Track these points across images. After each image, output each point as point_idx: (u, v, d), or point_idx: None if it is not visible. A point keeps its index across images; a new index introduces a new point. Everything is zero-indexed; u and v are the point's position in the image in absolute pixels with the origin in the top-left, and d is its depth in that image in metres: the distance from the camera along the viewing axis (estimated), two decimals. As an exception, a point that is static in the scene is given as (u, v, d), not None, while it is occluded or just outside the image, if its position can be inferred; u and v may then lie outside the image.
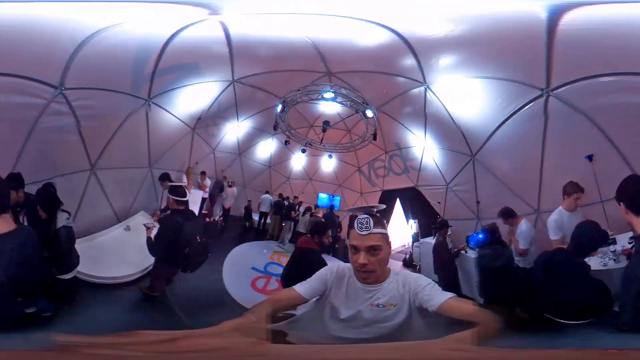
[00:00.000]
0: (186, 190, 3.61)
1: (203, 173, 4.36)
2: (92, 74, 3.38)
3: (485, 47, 3.20)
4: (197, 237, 3.48)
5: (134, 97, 3.79)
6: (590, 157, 2.92)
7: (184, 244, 3.36)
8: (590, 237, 2.59)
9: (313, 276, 2.16)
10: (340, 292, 2.13)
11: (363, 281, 2.05)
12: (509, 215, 3.27)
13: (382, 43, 3.50)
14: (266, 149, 4.66)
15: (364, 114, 3.88)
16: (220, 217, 4.47)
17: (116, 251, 3.56)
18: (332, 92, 3.71)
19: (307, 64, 3.79)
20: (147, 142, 4.03)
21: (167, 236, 3.33)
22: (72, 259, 3.09)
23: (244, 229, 4.58)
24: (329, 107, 4.20)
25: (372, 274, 1.99)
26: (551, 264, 2.71)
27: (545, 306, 2.62)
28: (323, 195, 4.54)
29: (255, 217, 4.58)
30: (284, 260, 4.21)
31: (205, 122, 4.27)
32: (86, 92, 3.42)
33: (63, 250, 2.99)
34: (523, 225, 3.23)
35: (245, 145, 4.59)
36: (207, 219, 4.43)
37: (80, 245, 3.20)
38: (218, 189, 4.49)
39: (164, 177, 4.13)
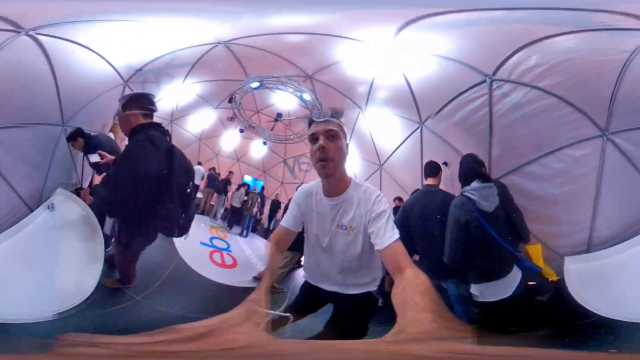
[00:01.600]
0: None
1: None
2: None
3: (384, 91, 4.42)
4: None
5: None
6: (445, 163, 4.06)
7: (183, 178, 2.04)
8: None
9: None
10: (312, 213, 1.98)
11: (324, 176, 1.89)
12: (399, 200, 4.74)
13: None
14: (201, 120, 4.37)
15: (318, 122, 4.48)
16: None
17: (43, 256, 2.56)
18: (309, 94, 4.16)
19: (297, 59, 3.97)
20: (57, 91, 3.00)
21: (148, 168, 1.92)
22: None
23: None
24: (285, 102, 4.54)
25: (330, 163, 1.84)
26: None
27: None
28: (248, 178, 4.71)
29: (186, 189, 4.17)
30: (222, 234, 4.14)
31: (144, 76, 3.62)
32: None
33: None
34: None
35: (181, 113, 4.16)
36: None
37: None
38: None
39: (76, 135, 3.01)
